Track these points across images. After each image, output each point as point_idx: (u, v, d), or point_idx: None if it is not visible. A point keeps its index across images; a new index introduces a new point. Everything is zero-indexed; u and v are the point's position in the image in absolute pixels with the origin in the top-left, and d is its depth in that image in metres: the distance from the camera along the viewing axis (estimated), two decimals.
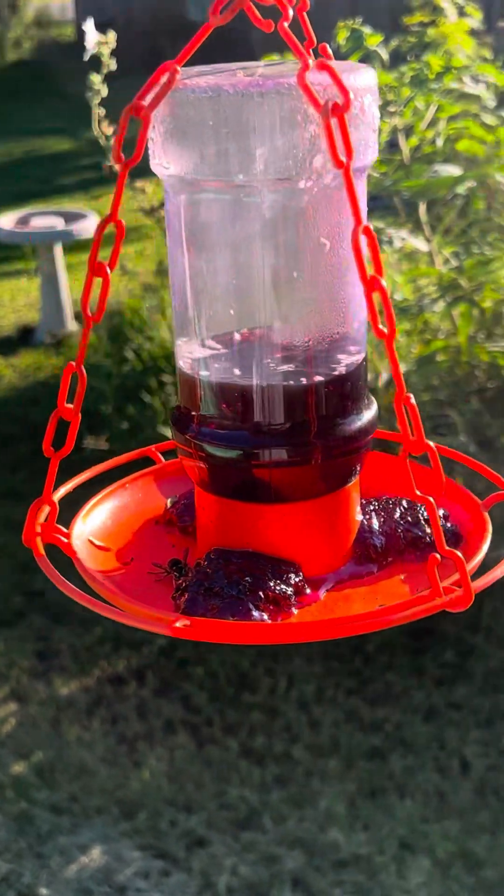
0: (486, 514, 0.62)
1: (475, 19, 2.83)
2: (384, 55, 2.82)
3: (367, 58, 2.65)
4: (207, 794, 2.39)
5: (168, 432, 3.13)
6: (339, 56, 2.74)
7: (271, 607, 0.57)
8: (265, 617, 0.57)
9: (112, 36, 2.56)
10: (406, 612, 0.53)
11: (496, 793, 2.36)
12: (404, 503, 0.66)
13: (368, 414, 0.61)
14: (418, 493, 0.54)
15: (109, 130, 2.62)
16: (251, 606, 0.56)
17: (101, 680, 2.75)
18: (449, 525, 0.64)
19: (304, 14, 0.58)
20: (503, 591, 2.72)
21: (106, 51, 2.53)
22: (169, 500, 0.71)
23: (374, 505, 0.66)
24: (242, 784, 2.41)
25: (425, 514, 0.65)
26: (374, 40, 2.65)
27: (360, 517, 0.64)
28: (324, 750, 2.49)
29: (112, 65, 2.57)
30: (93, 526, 0.67)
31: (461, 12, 2.86)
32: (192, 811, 2.35)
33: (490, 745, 2.47)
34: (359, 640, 2.79)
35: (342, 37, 2.72)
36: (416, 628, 2.77)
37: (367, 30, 2.71)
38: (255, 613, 0.56)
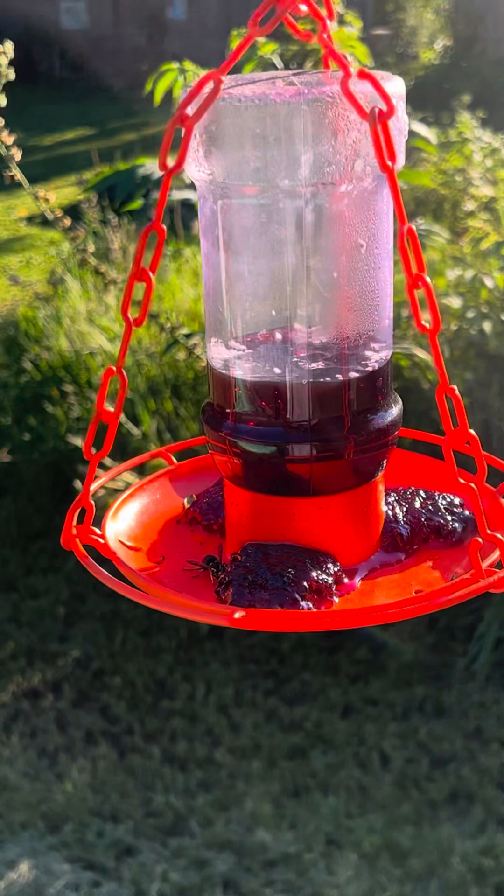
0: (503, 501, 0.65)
1: (355, 27, 2.91)
2: (279, 63, 2.87)
3: (262, 66, 2.69)
4: (133, 802, 2.39)
5: (78, 441, 3.09)
6: (238, 65, 2.79)
7: (315, 597, 0.60)
8: (310, 606, 0.59)
9: (10, 46, 2.54)
10: (453, 594, 0.56)
11: (416, 784, 2.42)
12: (422, 493, 0.69)
13: (396, 409, 0.64)
14: (462, 480, 0.56)
15: (10, 140, 2.59)
16: (297, 596, 0.58)
17: (16, 695, 2.71)
18: (466, 513, 0.68)
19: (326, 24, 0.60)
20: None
21: (4, 60, 2.51)
22: (186, 500, 0.72)
23: (394, 496, 0.68)
24: (167, 790, 2.42)
25: (444, 502, 0.68)
26: (268, 49, 2.70)
27: (385, 508, 0.67)
28: (246, 752, 2.52)
29: (11, 74, 2.55)
30: (118, 528, 0.68)
31: (341, 20, 2.93)
32: (119, 820, 2.35)
33: (407, 737, 2.53)
34: (273, 641, 2.82)
35: (235, 44, 2.76)
36: None
37: (261, 38, 2.75)
38: (302, 603, 0.58)
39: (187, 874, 2.21)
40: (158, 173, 2.76)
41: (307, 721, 2.58)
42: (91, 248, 2.90)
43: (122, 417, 2.88)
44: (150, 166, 2.70)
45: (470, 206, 3.13)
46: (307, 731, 2.55)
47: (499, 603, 2.63)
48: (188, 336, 2.67)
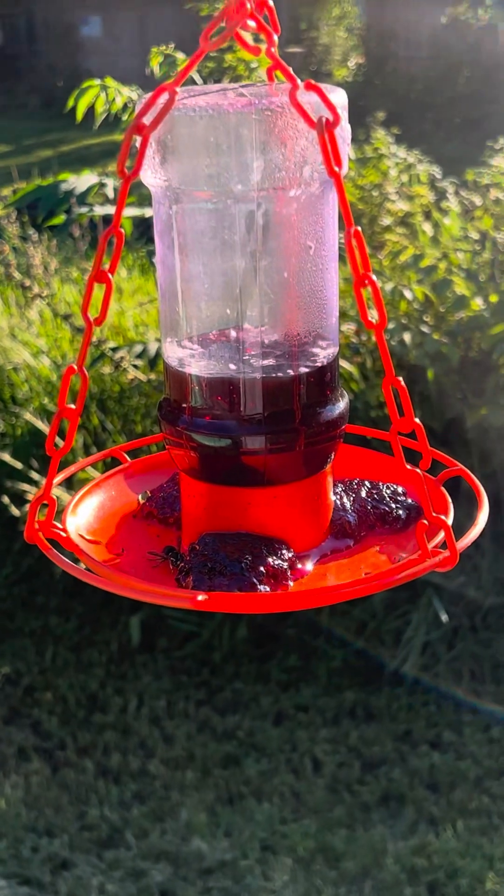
0: (444, 489, 0.69)
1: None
2: (198, 79, 2.91)
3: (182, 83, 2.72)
4: (67, 816, 2.39)
5: (6, 456, 3.06)
6: (157, 82, 2.82)
7: (272, 581, 0.63)
8: (268, 590, 0.62)
9: None
10: (402, 573, 0.59)
11: (349, 788, 2.45)
12: (368, 483, 0.72)
13: (343, 403, 0.68)
14: (408, 466, 0.60)
15: None
16: (255, 581, 0.61)
17: None
18: (410, 501, 0.71)
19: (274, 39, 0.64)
20: None
21: None
22: (140, 496, 0.75)
23: (342, 486, 0.72)
24: (102, 803, 2.42)
25: (388, 491, 0.71)
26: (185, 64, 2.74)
27: (333, 498, 0.70)
28: (180, 762, 2.53)
29: None
30: (77, 522, 0.71)
31: (256, 38, 2.99)
32: (54, 835, 2.34)
33: (339, 742, 2.57)
34: (204, 652, 2.84)
35: (156, 62, 2.80)
36: (260, 635, 2.85)
37: (180, 55, 2.79)
38: (260, 587, 0.61)
39: (124, 885, 2.21)
40: (81, 188, 2.78)
41: (240, 730, 2.60)
42: (14, 262, 2.90)
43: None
44: (72, 181, 2.71)
45: (387, 220, 3.19)
46: (240, 740, 2.58)
47: (425, 607, 2.69)
48: (114, 350, 2.69)
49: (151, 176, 0.62)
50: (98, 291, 0.63)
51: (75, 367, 0.63)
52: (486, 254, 2.87)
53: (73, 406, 0.63)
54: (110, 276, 0.60)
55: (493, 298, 2.73)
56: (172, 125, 0.59)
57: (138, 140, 0.58)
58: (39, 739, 2.61)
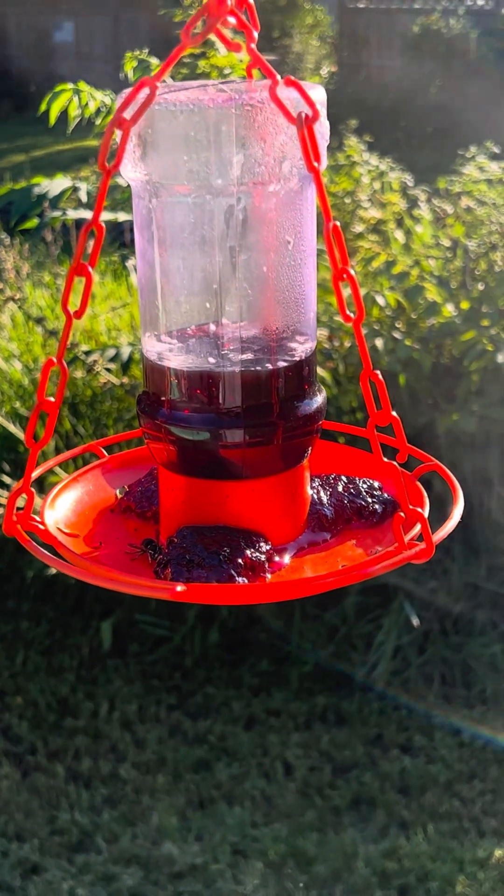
0: (419, 484, 0.70)
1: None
2: (170, 82, 2.91)
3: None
4: (37, 821, 2.38)
5: None
6: (129, 86, 2.84)
7: (249, 573, 0.63)
8: (245, 581, 0.62)
9: None
10: (378, 565, 0.60)
11: (320, 792, 2.46)
12: (344, 478, 0.73)
13: (320, 397, 0.68)
14: (386, 459, 0.61)
15: None
16: (233, 573, 0.62)
17: None
18: (385, 495, 0.72)
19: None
20: (311, 597, 2.84)
21: None
22: (118, 490, 0.75)
23: (318, 481, 0.72)
24: (72, 808, 2.41)
25: (364, 486, 0.72)
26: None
27: (310, 492, 0.71)
28: (151, 766, 2.53)
29: None
30: (55, 516, 0.71)
31: (235, 35, 3.01)
32: (24, 839, 2.33)
33: (310, 746, 2.58)
34: (175, 656, 2.84)
35: (130, 66, 2.81)
36: (231, 640, 2.85)
37: (154, 60, 2.80)
38: (238, 579, 0.62)
39: (95, 890, 2.21)
40: (54, 192, 2.78)
41: (211, 734, 2.60)
42: None
43: (22, 436, 2.87)
44: (45, 185, 2.71)
45: (359, 227, 3.21)
46: (211, 744, 2.58)
47: (396, 611, 2.70)
48: (87, 353, 2.69)
49: (132, 170, 0.62)
50: (78, 284, 0.63)
51: (55, 361, 0.63)
52: (458, 261, 2.89)
53: (52, 399, 0.64)
54: (90, 269, 0.61)
55: (465, 305, 2.75)
56: (153, 120, 0.60)
57: (118, 134, 0.59)
58: (10, 744, 2.60)
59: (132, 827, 2.36)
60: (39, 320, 2.88)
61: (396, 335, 2.73)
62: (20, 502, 0.66)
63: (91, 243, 0.60)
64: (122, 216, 2.72)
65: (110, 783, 2.48)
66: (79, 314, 0.61)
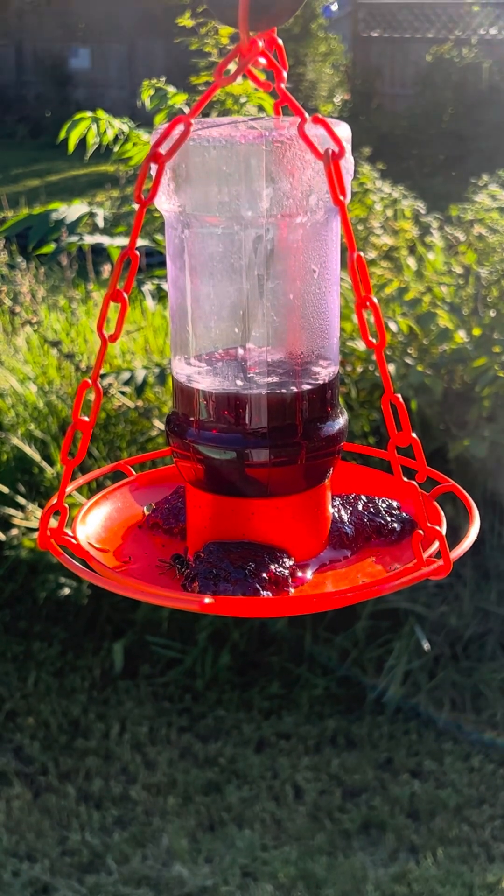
0: (437, 504, 0.73)
1: (260, 79, 3.03)
2: (186, 111, 2.95)
3: (173, 115, 2.78)
4: (48, 841, 2.39)
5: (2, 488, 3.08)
6: (146, 114, 2.88)
7: (273, 587, 0.66)
8: (270, 595, 0.65)
9: None
10: (398, 580, 0.63)
11: (329, 815, 2.47)
12: (364, 498, 0.76)
13: (343, 419, 0.71)
14: (405, 479, 0.63)
15: None
16: (258, 587, 0.65)
17: None
18: (404, 514, 0.75)
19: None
20: (323, 620, 2.86)
21: None
22: (146, 508, 0.78)
23: (339, 500, 0.75)
24: (83, 829, 2.42)
25: (384, 505, 0.75)
26: (178, 99, 2.80)
27: (332, 510, 0.74)
28: (161, 788, 2.54)
29: None
30: (86, 532, 0.74)
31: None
32: (35, 860, 2.34)
33: (320, 770, 2.59)
34: (187, 678, 2.85)
35: (147, 95, 2.85)
36: (243, 663, 2.87)
37: (171, 89, 2.85)
38: (263, 592, 0.64)
39: None
40: (71, 218, 2.81)
41: (221, 756, 2.62)
42: (4, 289, 2.94)
43: (37, 458, 2.91)
44: (62, 211, 2.74)
45: (371, 254, 3.25)
46: (221, 767, 2.59)
47: (407, 636, 2.71)
48: (102, 376, 2.72)
49: (166, 202, 0.66)
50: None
51: (90, 382, 0.66)
52: (470, 288, 2.92)
53: (86, 418, 0.67)
54: (125, 295, 0.64)
55: (476, 332, 2.78)
56: (187, 154, 0.63)
57: (154, 168, 0.62)
58: (21, 764, 2.61)
59: (142, 848, 2.37)
60: (55, 343, 2.92)
61: (408, 361, 2.76)
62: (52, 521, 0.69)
63: (124, 270, 0.63)
64: (140, 242, 2.76)
65: (121, 804, 2.49)
66: (114, 338, 0.64)
